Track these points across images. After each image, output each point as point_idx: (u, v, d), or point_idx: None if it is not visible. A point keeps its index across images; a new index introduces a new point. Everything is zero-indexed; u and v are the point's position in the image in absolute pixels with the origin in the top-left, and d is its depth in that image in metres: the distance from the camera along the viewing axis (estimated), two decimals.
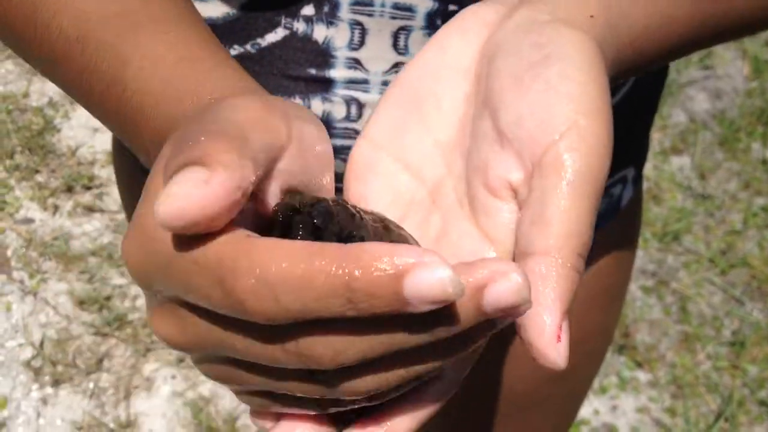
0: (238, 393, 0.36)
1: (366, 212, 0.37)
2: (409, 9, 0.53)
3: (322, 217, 0.34)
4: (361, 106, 0.57)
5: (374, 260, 0.28)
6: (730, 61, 2.39)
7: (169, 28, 0.42)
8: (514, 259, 0.35)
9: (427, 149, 0.40)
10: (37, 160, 2.00)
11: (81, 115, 2.11)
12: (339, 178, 0.65)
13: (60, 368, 1.68)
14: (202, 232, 0.29)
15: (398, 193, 0.41)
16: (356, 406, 0.34)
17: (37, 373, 1.67)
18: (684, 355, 1.81)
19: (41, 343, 1.70)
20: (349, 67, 0.55)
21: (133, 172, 0.73)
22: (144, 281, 0.32)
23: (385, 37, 0.54)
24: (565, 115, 0.34)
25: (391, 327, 0.29)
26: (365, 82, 0.56)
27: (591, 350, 0.80)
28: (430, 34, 0.54)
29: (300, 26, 0.54)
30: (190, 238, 0.30)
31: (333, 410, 0.34)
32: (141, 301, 1.78)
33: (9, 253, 1.84)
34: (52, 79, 0.46)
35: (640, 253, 1.96)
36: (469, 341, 0.31)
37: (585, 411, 1.71)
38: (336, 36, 0.54)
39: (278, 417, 0.36)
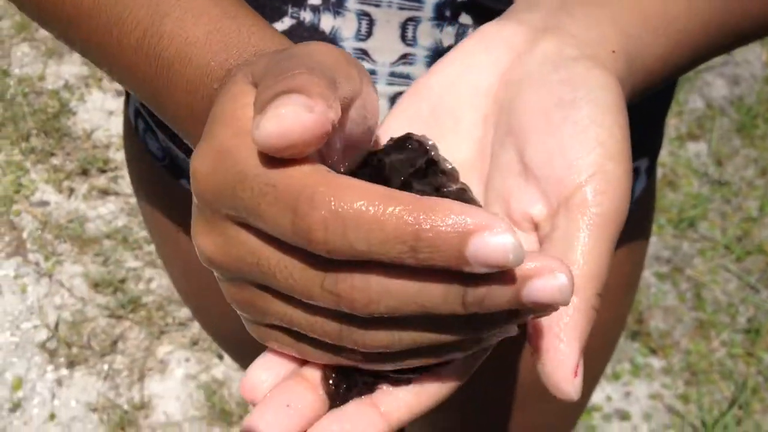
0: (254, 323, 0.36)
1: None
2: (417, 0, 0.53)
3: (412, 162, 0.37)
4: None
5: (446, 215, 0.28)
6: (748, 48, 2.37)
7: None
8: None
9: None
10: (53, 143, 2.01)
11: (96, 98, 2.12)
12: None
13: (75, 350, 1.69)
14: (290, 157, 0.30)
15: None
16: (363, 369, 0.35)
17: (52, 354, 1.68)
18: (698, 342, 1.80)
19: (56, 325, 1.72)
20: (357, 58, 0.55)
21: (143, 156, 0.73)
22: (208, 196, 0.33)
23: (393, 28, 0.54)
24: (593, 159, 0.36)
25: (431, 291, 0.30)
26: (372, 73, 0.56)
27: (604, 340, 0.80)
28: (438, 26, 0.54)
29: (307, 16, 0.53)
30: (273, 160, 0.31)
31: (344, 362, 0.35)
32: (155, 284, 1.79)
33: (25, 235, 1.85)
34: (72, 39, 0.46)
35: (655, 239, 1.95)
36: (491, 326, 0.32)
37: (598, 397, 1.71)
38: (343, 26, 0.54)
39: (287, 357, 0.37)
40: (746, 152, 2.15)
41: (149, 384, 1.67)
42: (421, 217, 0.29)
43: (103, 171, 1.97)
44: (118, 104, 2.10)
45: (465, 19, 0.54)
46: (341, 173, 0.34)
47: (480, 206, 0.38)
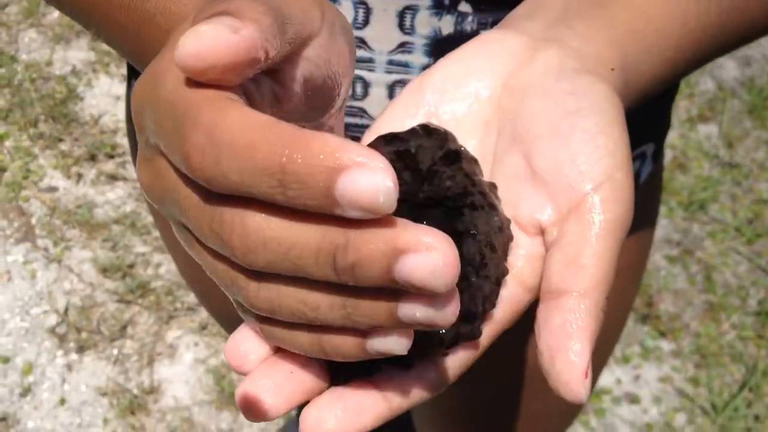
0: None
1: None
2: None
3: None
4: (366, 84, 0.57)
5: (320, 148, 0.26)
6: None
7: None
8: (540, 296, 0.37)
9: None
10: (61, 128, 2.01)
11: (104, 83, 2.12)
12: None
13: (84, 335, 1.69)
14: (213, 82, 0.29)
15: None
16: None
17: (62, 339, 1.69)
18: (708, 325, 1.79)
19: (65, 310, 1.72)
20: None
21: None
22: (137, 120, 0.31)
23: (390, 16, 0.54)
24: (602, 168, 0.37)
25: (304, 245, 0.28)
26: (370, 61, 0.56)
27: (610, 326, 0.80)
28: (437, 14, 0.54)
29: None
30: (187, 81, 0.29)
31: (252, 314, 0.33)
32: (164, 269, 1.79)
33: (33, 221, 1.86)
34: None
35: (665, 222, 1.94)
36: (369, 318, 0.29)
37: (607, 380, 1.71)
38: None
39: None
40: (757, 134, 2.13)
41: (158, 368, 1.67)
42: (293, 147, 0.26)
43: (111, 156, 1.97)
44: (125, 89, 2.10)
45: (464, 7, 0.54)
46: (305, 127, 0.32)
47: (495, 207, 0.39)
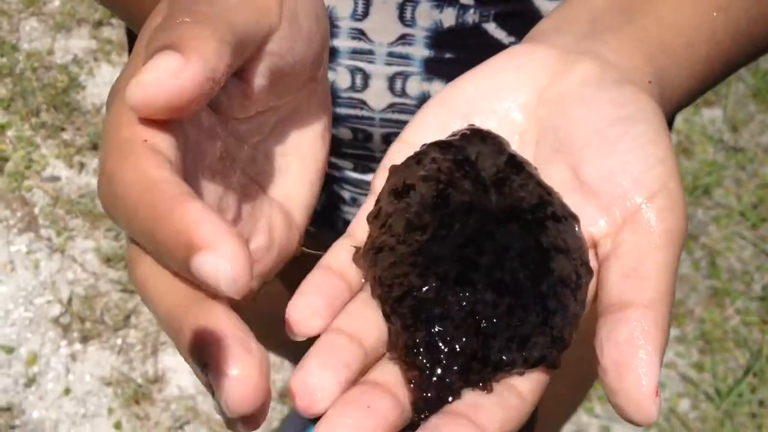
0: None
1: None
2: None
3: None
4: (366, 76, 0.57)
5: (179, 226, 0.27)
6: None
7: None
8: (599, 309, 0.35)
9: None
10: (63, 117, 2.01)
11: (105, 72, 2.11)
12: (347, 144, 0.64)
13: (88, 325, 1.70)
14: (169, 118, 0.30)
15: None
16: None
17: (66, 329, 1.69)
18: (713, 310, 1.79)
19: (69, 300, 1.72)
20: (353, 38, 0.55)
21: None
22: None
23: (390, 8, 0.53)
24: (656, 176, 0.36)
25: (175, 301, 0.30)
26: (370, 52, 0.55)
27: None
28: (437, 6, 0.53)
29: None
30: (128, 118, 0.31)
31: None
32: None
33: (36, 211, 1.86)
34: None
35: None
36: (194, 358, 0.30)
37: None
38: (339, 5, 0.53)
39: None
40: (762, 117, 2.12)
41: (163, 358, 1.67)
42: (161, 218, 0.28)
43: None
44: None
45: None
46: (280, 107, 0.34)
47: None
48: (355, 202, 0.70)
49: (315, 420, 0.33)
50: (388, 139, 0.61)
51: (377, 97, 0.58)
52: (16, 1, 2.24)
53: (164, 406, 1.62)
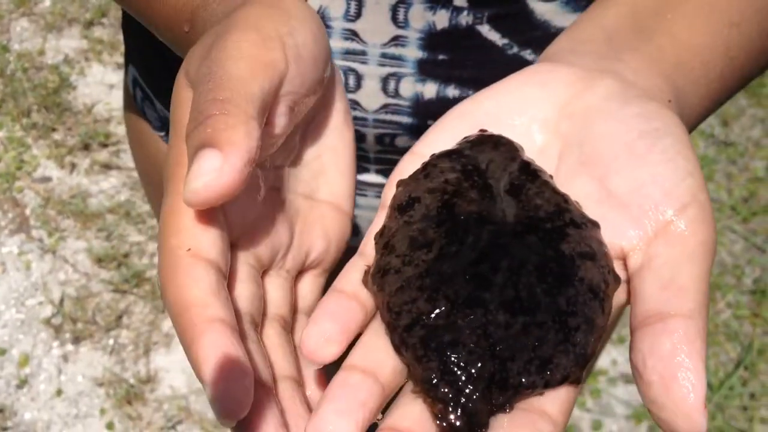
0: None
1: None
2: None
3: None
4: (359, 77, 0.57)
5: (194, 359, 0.33)
6: None
7: None
8: (635, 321, 0.35)
9: None
10: (54, 118, 2.01)
11: (96, 72, 2.11)
12: None
13: (80, 325, 1.70)
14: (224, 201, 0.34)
15: None
16: None
17: (58, 330, 1.69)
18: None
19: (61, 301, 1.73)
20: (346, 38, 0.55)
21: (142, 126, 0.73)
22: None
23: (383, 9, 0.53)
24: (687, 188, 0.36)
25: None
26: (363, 53, 0.56)
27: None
28: (431, 8, 0.53)
29: None
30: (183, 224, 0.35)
31: None
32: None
33: (27, 211, 1.86)
34: None
35: None
36: None
37: (603, 361, 1.71)
38: (331, 6, 0.54)
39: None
40: (753, 112, 2.12)
41: (155, 358, 1.68)
42: (190, 338, 0.32)
43: (104, 145, 1.97)
44: (118, 78, 2.09)
45: (459, 1, 0.53)
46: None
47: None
48: None
49: None
50: (381, 140, 0.61)
51: (370, 97, 0.58)
52: (7, 1, 2.24)
53: (156, 406, 1.62)
